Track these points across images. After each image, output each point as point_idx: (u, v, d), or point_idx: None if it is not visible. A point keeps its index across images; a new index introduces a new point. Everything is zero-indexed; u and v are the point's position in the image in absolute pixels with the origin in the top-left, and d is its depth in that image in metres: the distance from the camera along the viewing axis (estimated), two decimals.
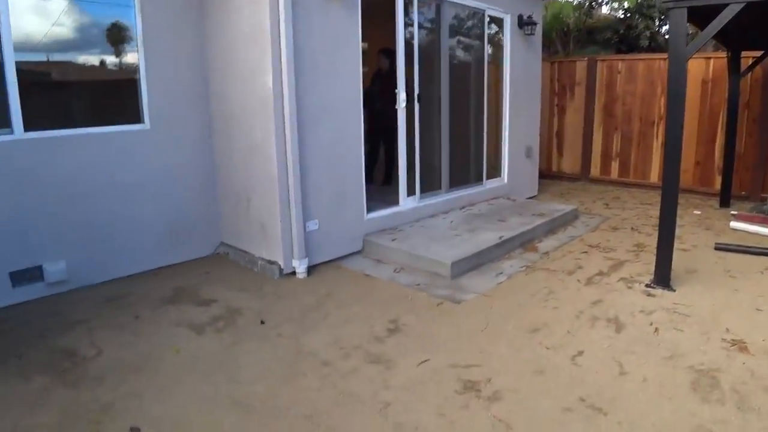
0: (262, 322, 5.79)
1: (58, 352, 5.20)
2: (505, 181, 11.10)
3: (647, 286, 6.46)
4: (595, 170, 13.34)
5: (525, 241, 8.34)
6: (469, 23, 10.01)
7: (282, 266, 7.05)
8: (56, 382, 4.70)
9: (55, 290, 6.48)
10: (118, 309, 6.16)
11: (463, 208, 9.72)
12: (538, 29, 11.28)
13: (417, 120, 8.73)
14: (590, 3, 17.67)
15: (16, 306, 6.18)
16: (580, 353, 4.91)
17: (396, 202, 8.72)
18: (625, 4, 17.01)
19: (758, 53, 10.02)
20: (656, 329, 5.37)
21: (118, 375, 4.82)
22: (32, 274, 6.29)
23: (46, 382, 4.70)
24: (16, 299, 6.19)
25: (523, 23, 10.70)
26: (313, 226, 7.22)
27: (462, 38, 10.00)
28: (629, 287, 6.50)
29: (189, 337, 5.49)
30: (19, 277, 6.19)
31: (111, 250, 6.96)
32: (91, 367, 4.96)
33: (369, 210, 8.12)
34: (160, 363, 5.03)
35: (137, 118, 7.16)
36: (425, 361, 4.91)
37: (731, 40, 9.42)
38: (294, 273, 7.12)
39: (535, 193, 12.08)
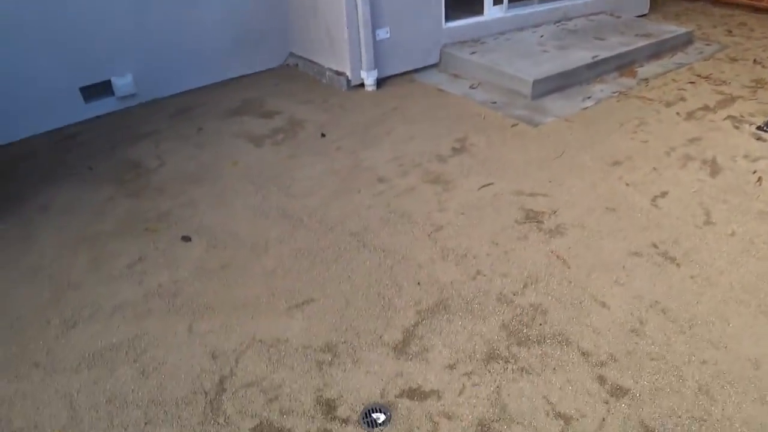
0: (323, 135, 5.41)
1: (124, 163, 5.14)
2: None
3: (759, 128, 5.37)
4: None
5: (623, 64, 7.13)
6: None
7: (350, 78, 6.45)
8: (120, 192, 4.70)
9: (125, 104, 6.31)
10: (184, 121, 5.95)
11: (558, 22, 8.35)
12: None
13: None
14: None
15: (89, 121, 6.08)
16: (664, 194, 4.26)
17: (480, 11, 7.55)
18: None
19: None
20: (759, 179, 4.50)
21: (178, 185, 4.74)
22: (102, 89, 6.10)
23: (111, 192, 4.70)
24: (88, 114, 6.09)
25: None
26: (383, 34, 6.40)
27: None
28: (736, 127, 5.44)
29: (248, 150, 5.26)
30: (89, 93, 6.03)
31: (179, 62, 6.57)
32: (154, 178, 4.89)
33: (448, 18, 7.08)
34: (218, 174, 4.87)
35: None
36: (488, 185, 4.45)
37: None
38: (362, 85, 6.52)
39: (646, 11, 10.16)
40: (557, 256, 3.63)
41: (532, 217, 4.01)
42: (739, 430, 2.55)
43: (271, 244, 4.06)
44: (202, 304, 3.61)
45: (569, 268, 3.53)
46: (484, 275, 3.59)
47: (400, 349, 3.19)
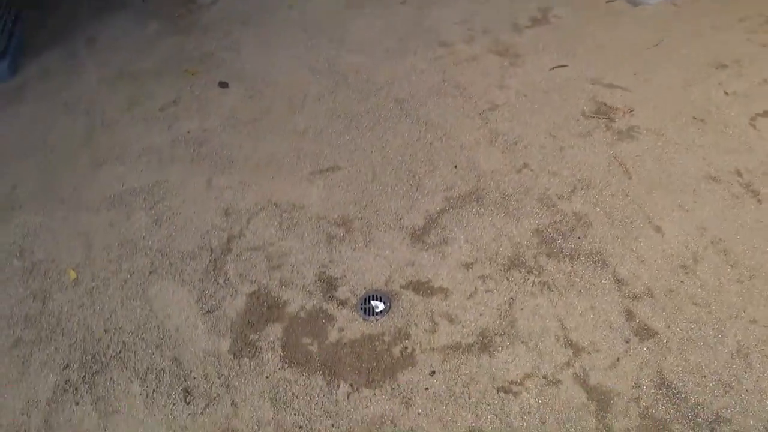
0: None
1: None
2: None
3: None
4: None
5: None
6: None
7: None
8: (168, 28, 4.23)
9: None
10: None
11: None
12: None
13: None
14: None
15: None
16: (767, 114, 3.47)
17: None
18: None
19: None
20: None
21: (226, 25, 4.21)
22: None
23: (159, 28, 4.24)
24: None
25: None
26: None
27: None
28: None
29: None
30: None
31: None
32: (204, 15, 4.35)
33: None
34: (271, 17, 4.26)
35: None
36: (562, 66, 3.67)
37: None
38: None
39: None
40: (620, 163, 3.02)
41: (603, 112, 3.32)
42: None
43: (308, 100, 3.59)
44: (226, 157, 3.31)
45: (630, 179, 2.93)
46: (531, 170, 3.06)
47: (418, 236, 2.82)
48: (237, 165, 3.25)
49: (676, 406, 2.13)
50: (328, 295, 2.60)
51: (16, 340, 2.55)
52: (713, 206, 2.78)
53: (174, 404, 2.30)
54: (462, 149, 3.16)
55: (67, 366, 2.44)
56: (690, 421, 2.08)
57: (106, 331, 2.55)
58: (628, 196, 2.85)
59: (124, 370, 2.41)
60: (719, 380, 2.17)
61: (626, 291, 2.47)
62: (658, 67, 3.66)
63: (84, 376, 2.40)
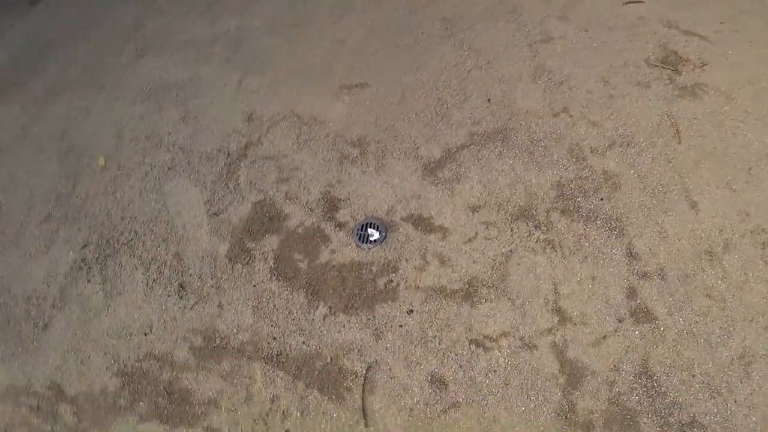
0: None
1: None
2: None
3: None
4: None
5: None
6: None
7: None
8: None
9: None
10: None
11: None
12: None
13: None
14: None
15: None
16: None
17: None
18: None
19: None
20: None
21: None
22: None
23: None
24: None
25: None
26: None
27: None
28: None
29: None
30: None
31: None
32: None
33: None
34: None
35: None
36: (636, 2, 3.02)
37: None
38: None
39: None
40: (673, 124, 2.52)
41: (671, 62, 2.74)
42: (753, 426, 1.81)
43: (352, 11, 3.25)
44: (261, 60, 3.10)
45: (679, 143, 2.46)
46: (570, 115, 2.63)
47: (431, 169, 2.55)
48: (269, 69, 3.05)
49: (651, 400, 1.89)
50: (329, 215, 2.46)
51: (48, 216, 2.66)
52: (766, 191, 2.32)
53: (169, 296, 2.34)
54: (500, 82, 2.76)
55: (85, 246, 2.52)
56: (661, 418, 1.85)
57: (122, 219, 2.58)
58: (670, 162, 2.41)
59: (132, 257, 2.46)
60: (708, 383, 1.89)
61: (636, 267, 2.15)
62: (752, 19, 2.93)
63: (98, 258, 2.48)
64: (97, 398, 2.13)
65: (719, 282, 2.07)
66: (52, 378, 2.19)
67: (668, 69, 2.67)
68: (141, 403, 2.09)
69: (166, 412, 2.07)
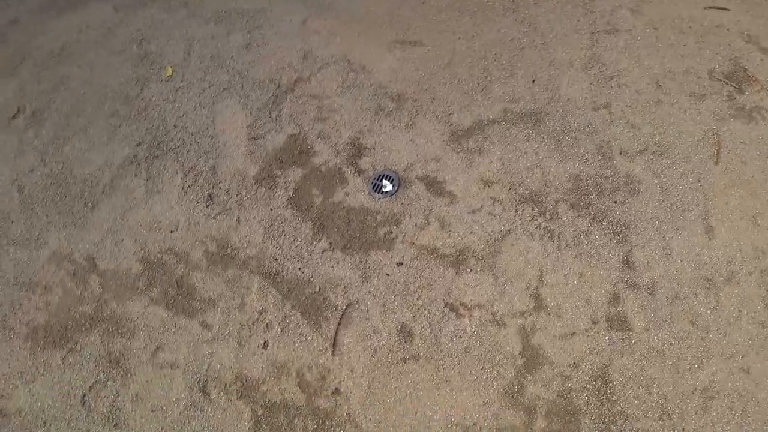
0: None
1: None
2: None
3: None
4: None
5: None
6: None
7: None
8: None
9: None
10: None
11: None
12: None
13: None
14: None
15: None
16: None
17: None
18: None
19: None
20: None
21: None
22: None
23: None
24: None
25: None
26: None
27: None
28: None
29: None
30: None
31: None
32: None
33: None
34: None
35: None
36: (720, 8, 2.66)
37: None
38: None
39: None
40: (716, 143, 2.28)
41: (736, 79, 2.43)
42: None
43: None
44: (328, 3, 3.06)
45: (716, 164, 2.23)
46: (611, 113, 2.44)
47: (458, 137, 2.48)
48: (334, 13, 3.01)
49: (599, 404, 1.83)
50: (352, 160, 2.48)
51: (114, 112, 2.83)
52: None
53: (198, 203, 2.48)
54: (550, 65, 2.59)
55: (139, 144, 2.69)
56: (603, 424, 1.80)
57: (175, 126, 2.72)
58: (700, 181, 2.20)
59: (175, 162, 2.60)
60: (662, 405, 1.80)
61: (628, 276, 2.03)
62: None
63: (147, 157, 2.64)
64: (122, 276, 2.34)
65: (708, 312, 1.93)
66: (90, 252, 2.43)
67: (731, 85, 2.39)
68: (154, 289, 2.29)
69: (172, 301, 2.25)
